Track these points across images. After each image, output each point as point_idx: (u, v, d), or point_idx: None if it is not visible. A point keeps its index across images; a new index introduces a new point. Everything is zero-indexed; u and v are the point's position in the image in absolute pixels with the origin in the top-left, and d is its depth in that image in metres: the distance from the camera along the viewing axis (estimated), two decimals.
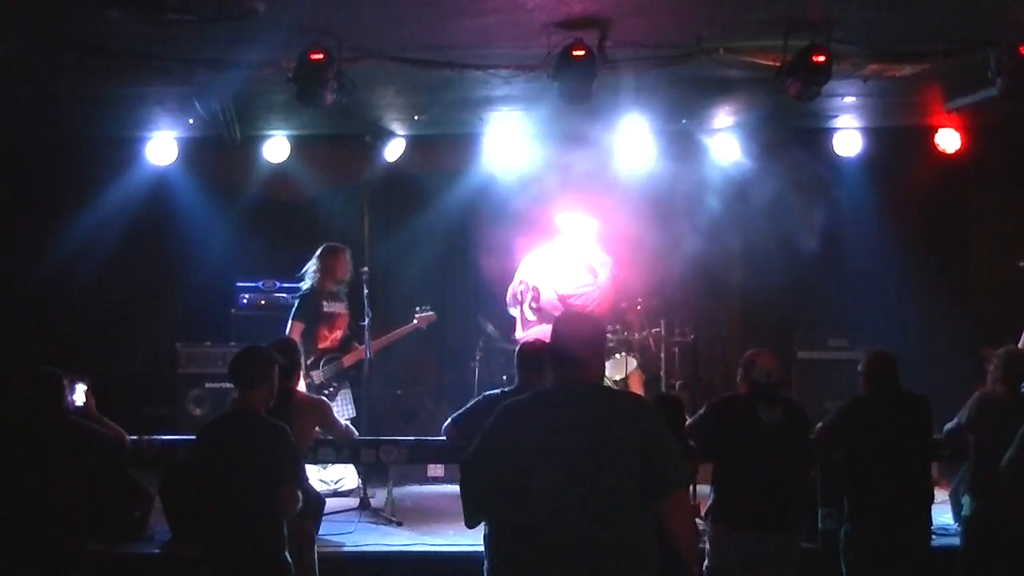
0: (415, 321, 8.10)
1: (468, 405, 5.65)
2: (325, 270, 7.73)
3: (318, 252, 7.82)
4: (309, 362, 7.49)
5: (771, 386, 5.30)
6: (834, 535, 5.76)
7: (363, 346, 7.69)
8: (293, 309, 7.73)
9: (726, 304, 9.66)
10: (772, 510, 5.13)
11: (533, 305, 7.87)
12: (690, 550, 3.73)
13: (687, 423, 5.46)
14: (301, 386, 6.52)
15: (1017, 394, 5.57)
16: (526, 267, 8.01)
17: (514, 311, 8.00)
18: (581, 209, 8.01)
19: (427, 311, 8.11)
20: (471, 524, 3.68)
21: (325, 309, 7.74)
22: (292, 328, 7.60)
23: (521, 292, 7.77)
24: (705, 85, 7.40)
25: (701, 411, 5.50)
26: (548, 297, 7.92)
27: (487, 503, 3.55)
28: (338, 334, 7.77)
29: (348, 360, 7.72)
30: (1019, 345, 6.46)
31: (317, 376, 7.57)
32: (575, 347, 3.61)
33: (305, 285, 7.74)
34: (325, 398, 6.47)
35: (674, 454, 3.51)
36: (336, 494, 7.75)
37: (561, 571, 3.38)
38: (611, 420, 3.47)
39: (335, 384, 7.63)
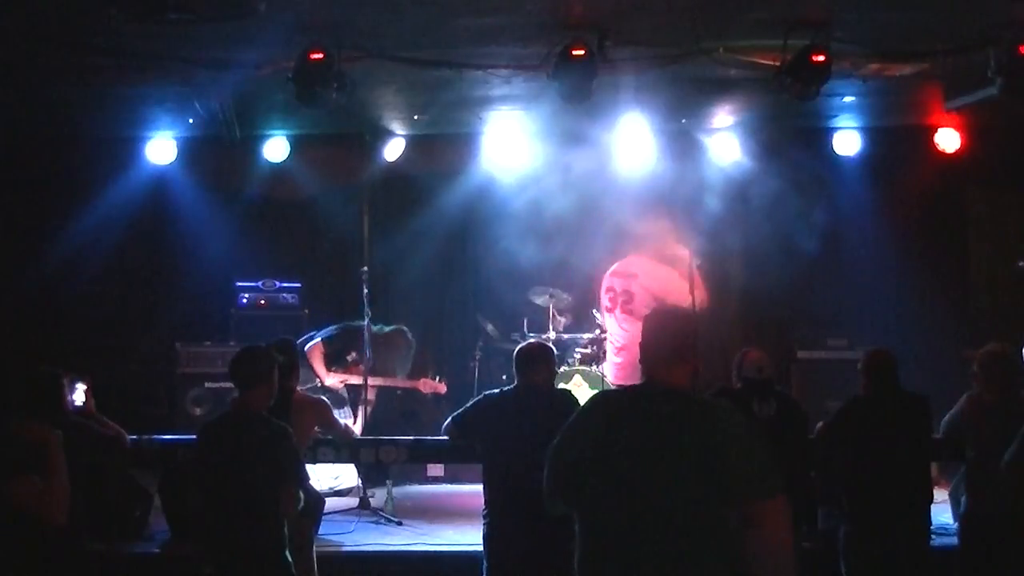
0: (420, 381, 8.17)
1: (468, 404, 5.65)
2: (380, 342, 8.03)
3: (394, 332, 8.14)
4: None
5: (763, 381, 5.34)
6: (834, 535, 5.76)
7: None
8: (327, 331, 7.96)
9: (726, 304, 9.66)
10: None
11: (625, 310, 7.61)
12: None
13: None
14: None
15: (1004, 395, 5.59)
16: (618, 273, 7.65)
17: (608, 318, 7.62)
18: (666, 215, 7.76)
19: (440, 381, 8.17)
20: (552, 509, 3.61)
21: (348, 357, 7.95)
22: (314, 346, 7.74)
23: (610, 298, 7.45)
24: (705, 85, 7.40)
25: None
26: (644, 301, 7.69)
27: (565, 490, 3.50)
28: (341, 378, 8.00)
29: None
30: None
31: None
32: (657, 345, 3.51)
33: (355, 323, 7.98)
34: (322, 398, 6.48)
35: (753, 461, 3.32)
36: (335, 493, 7.75)
37: (624, 569, 3.32)
38: (684, 424, 3.34)
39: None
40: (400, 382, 8.25)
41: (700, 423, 3.34)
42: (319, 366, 7.87)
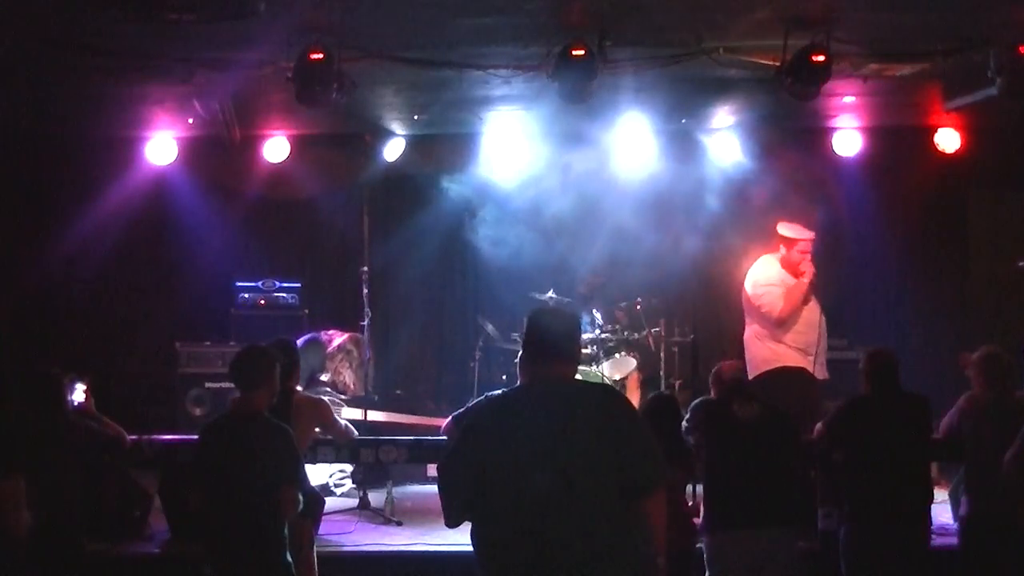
0: None
1: (470, 404, 5.70)
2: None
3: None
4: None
5: (741, 384, 5.37)
6: (834, 535, 5.76)
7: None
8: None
9: (726, 304, 9.65)
10: (759, 507, 5.09)
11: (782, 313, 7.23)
12: (662, 553, 3.53)
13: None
14: None
15: (1003, 396, 5.61)
16: (762, 277, 7.36)
17: (760, 324, 7.31)
18: (799, 216, 7.53)
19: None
20: (452, 524, 3.67)
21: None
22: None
23: (768, 302, 7.25)
24: (705, 85, 7.40)
25: (686, 416, 5.50)
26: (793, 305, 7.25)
27: (465, 502, 3.53)
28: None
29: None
30: None
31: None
32: (549, 341, 3.58)
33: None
34: (322, 398, 6.48)
35: (648, 453, 3.41)
36: (332, 491, 7.75)
37: (539, 573, 3.32)
38: (582, 417, 3.39)
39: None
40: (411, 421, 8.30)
41: (588, 420, 3.39)
42: None
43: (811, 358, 7.05)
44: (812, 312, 7.20)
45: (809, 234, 7.28)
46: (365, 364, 8.29)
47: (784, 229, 7.33)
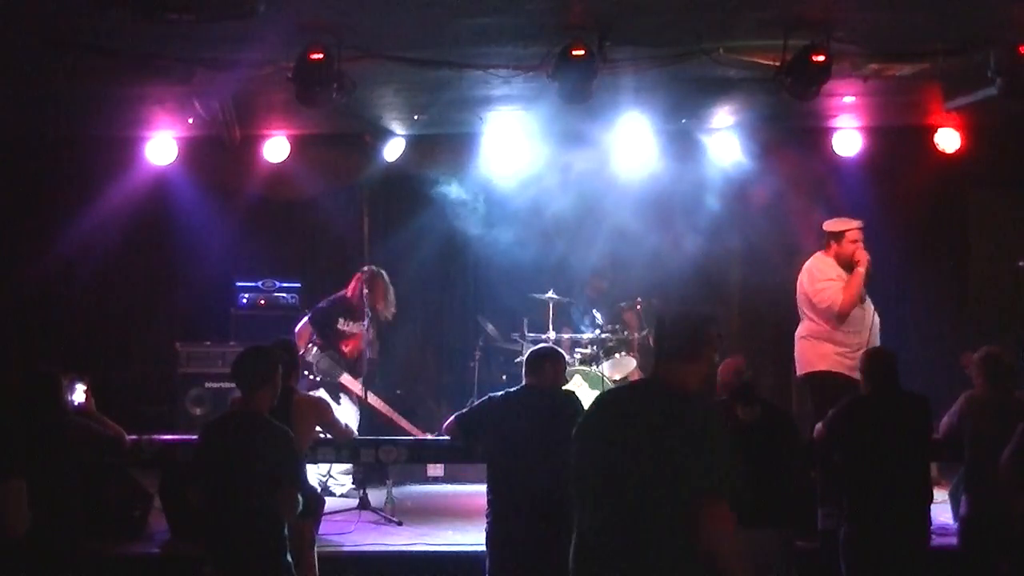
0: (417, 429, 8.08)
1: (474, 405, 5.73)
2: (361, 292, 7.88)
3: (362, 276, 8.01)
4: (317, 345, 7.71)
5: (744, 385, 5.36)
6: (834, 535, 5.76)
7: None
8: (312, 309, 7.96)
9: (726, 304, 9.66)
10: (759, 508, 5.09)
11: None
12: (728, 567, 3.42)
13: None
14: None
15: (1002, 395, 5.63)
16: (819, 273, 7.25)
17: (818, 321, 7.20)
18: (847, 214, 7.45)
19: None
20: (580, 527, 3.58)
21: (340, 326, 7.86)
22: (302, 328, 7.74)
23: (829, 296, 7.20)
24: (705, 85, 7.41)
25: None
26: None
27: (574, 486, 3.54)
28: (348, 350, 7.87)
29: (345, 380, 7.75)
30: None
31: (310, 355, 7.61)
32: (660, 342, 3.60)
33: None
34: (322, 397, 6.48)
35: (710, 459, 3.35)
36: (327, 490, 7.74)
37: (599, 568, 3.36)
38: (656, 419, 3.39)
39: (319, 377, 7.66)
40: (398, 418, 8.24)
41: (669, 418, 3.37)
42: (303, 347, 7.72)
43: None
44: (864, 312, 7.10)
45: (856, 223, 7.21)
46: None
47: (830, 225, 7.27)
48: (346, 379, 7.78)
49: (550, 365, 5.38)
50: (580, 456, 3.50)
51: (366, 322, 7.82)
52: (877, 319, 7.12)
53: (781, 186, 8.79)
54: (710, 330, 3.55)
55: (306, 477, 5.12)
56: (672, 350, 3.50)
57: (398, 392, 9.16)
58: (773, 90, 6.62)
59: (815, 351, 7.14)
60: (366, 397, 7.77)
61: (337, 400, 7.71)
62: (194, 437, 4.86)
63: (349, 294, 7.99)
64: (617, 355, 8.64)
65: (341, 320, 7.86)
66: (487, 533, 5.22)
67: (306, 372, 7.53)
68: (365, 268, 8.13)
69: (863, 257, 7.06)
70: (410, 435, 7.96)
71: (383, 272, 8.16)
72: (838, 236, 7.19)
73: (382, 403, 8.18)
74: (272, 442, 4.55)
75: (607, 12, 6.00)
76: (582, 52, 6.13)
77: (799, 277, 7.32)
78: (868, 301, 7.17)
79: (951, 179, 9.15)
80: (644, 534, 3.31)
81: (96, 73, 6.74)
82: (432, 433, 7.66)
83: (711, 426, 3.40)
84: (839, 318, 7.04)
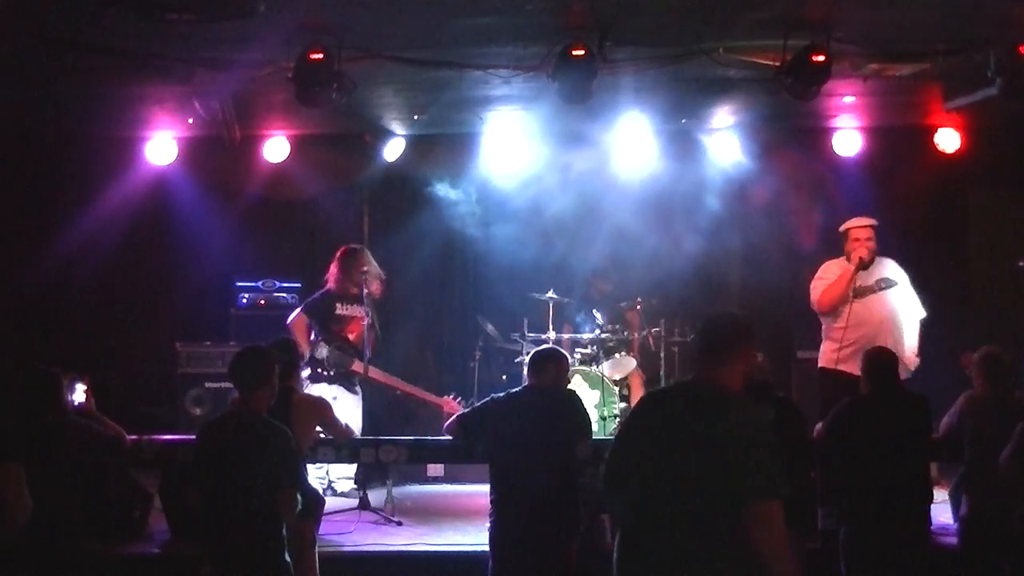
0: (445, 401, 7.85)
1: (476, 406, 5.73)
2: (342, 272, 7.76)
3: (337, 254, 7.86)
4: (322, 339, 7.61)
5: (760, 383, 5.35)
6: (834, 535, 5.76)
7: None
8: (304, 302, 7.84)
9: (726, 304, 9.65)
10: None
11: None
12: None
13: None
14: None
15: (1002, 395, 5.64)
16: (822, 271, 7.31)
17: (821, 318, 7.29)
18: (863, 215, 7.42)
19: (457, 401, 7.73)
20: (607, 502, 3.77)
21: (338, 312, 7.77)
22: (296, 318, 7.64)
23: (812, 291, 7.20)
24: (705, 85, 7.41)
25: None
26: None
27: (613, 483, 3.60)
28: (353, 336, 7.79)
29: (356, 366, 7.69)
30: None
31: (320, 351, 7.57)
32: (701, 343, 3.66)
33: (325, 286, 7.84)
34: (323, 397, 6.47)
35: (760, 464, 3.37)
36: (331, 489, 7.74)
37: (643, 567, 3.39)
38: (702, 421, 3.43)
39: (332, 371, 7.61)
40: (418, 392, 8.18)
41: (714, 419, 3.40)
42: (302, 340, 7.56)
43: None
44: (871, 306, 7.06)
45: (861, 221, 7.23)
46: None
47: (843, 225, 7.31)
48: (358, 366, 7.72)
49: (553, 366, 5.39)
50: (625, 455, 3.54)
51: (364, 303, 7.77)
52: (903, 314, 7.12)
53: (781, 186, 8.79)
54: (751, 330, 3.65)
55: (306, 477, 5.12)
56: (718, 350, 3.58)
57: (398, 392, 9.15)
58: (773, 90, 6.63)
59: (821, 348, 7.24)
60: (366, 372, 7.69)
61: (353, 391, 7.68)
62: (194, 437, 4.85)
63: (332, 282, 7.88)
64: (617, 355, 8.63)
65: (339, 305, 7.78)
66: (490, 533, 5.23)
67: (319, 369, 7.50)
68: (344, 248, 7.99)
69: (856, 256, 7.08)
70: (421, 400, 8.06)
71: (359, 247, 8.02)
72: (844, 234, 7.25)
73: (386, 375, 8.06)
74: (270, 442, 4.55)
75: (607, 12, 6.00)
76: (582, 52, 6.13)
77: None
78: (884, 295, 7.14)
79: (951, 179, 9.15)
80: (692, 534, 3.33)
81: (96, 73, 6.75)
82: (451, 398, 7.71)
83: (759, 427, 3.44)
84: (822, 314, 7.16)
